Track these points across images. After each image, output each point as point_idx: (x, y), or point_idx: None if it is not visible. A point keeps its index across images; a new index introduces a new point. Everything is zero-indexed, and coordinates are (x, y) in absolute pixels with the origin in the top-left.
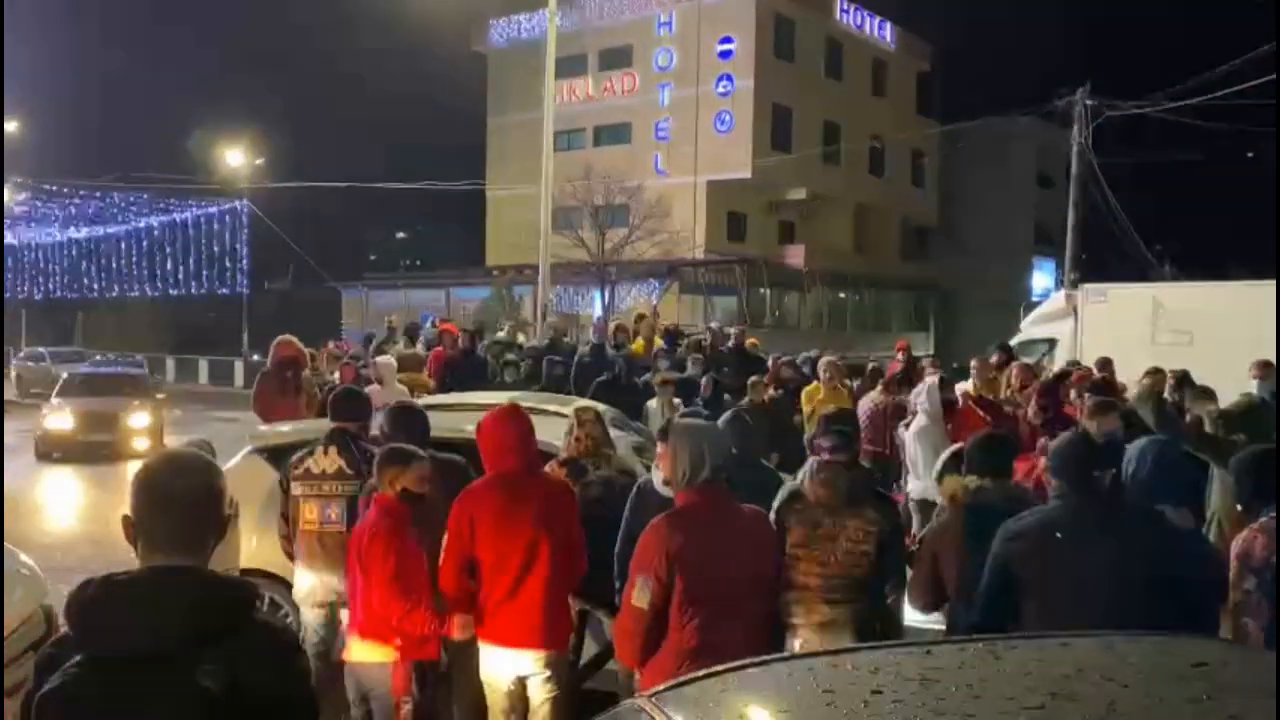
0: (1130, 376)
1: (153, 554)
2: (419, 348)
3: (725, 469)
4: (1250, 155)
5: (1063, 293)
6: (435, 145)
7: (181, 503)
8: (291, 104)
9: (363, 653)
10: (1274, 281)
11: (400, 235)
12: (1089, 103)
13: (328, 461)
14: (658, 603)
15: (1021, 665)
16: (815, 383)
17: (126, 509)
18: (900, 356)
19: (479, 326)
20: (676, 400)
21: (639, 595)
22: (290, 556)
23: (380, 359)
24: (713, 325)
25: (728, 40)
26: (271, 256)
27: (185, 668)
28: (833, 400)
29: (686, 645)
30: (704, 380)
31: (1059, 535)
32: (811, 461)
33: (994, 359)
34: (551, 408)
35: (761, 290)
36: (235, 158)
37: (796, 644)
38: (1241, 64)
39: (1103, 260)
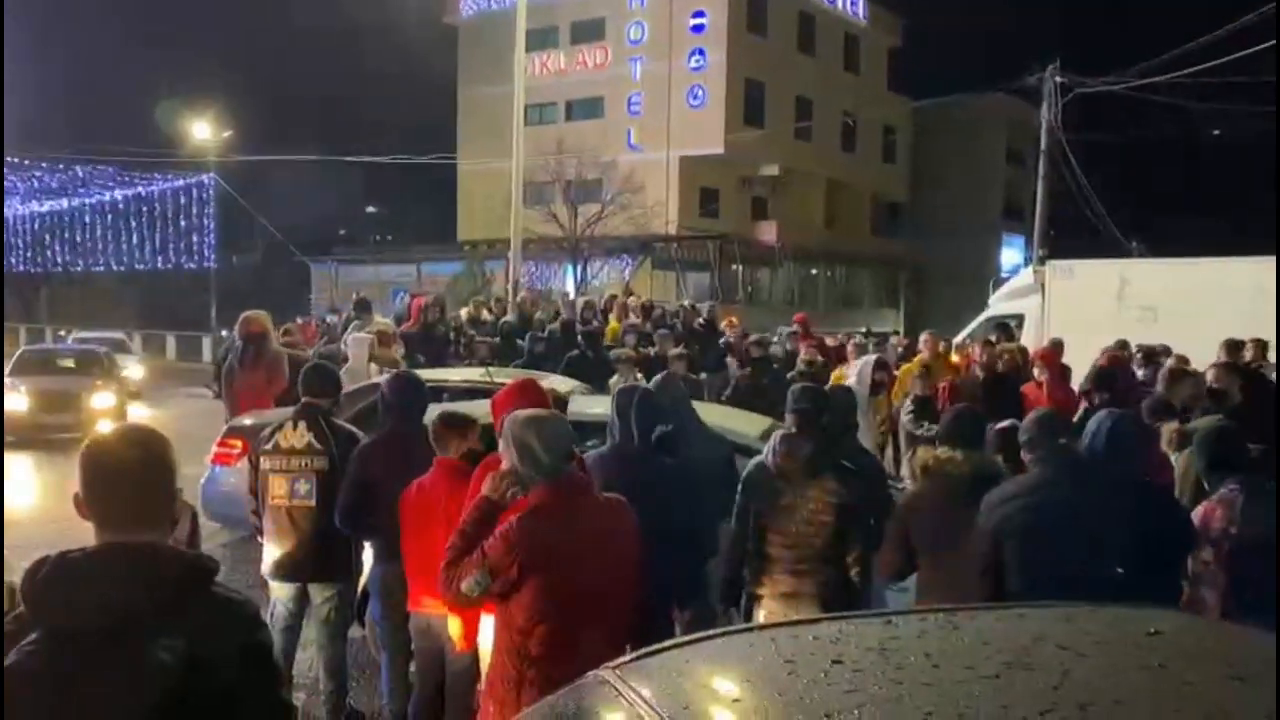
0: (1097, 351)
1: (106, 530)
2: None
3: (568, 456)
4: (1216, 133)
5: (1030, 269)
6: (406, 118)
7: (132, 476)
8: (260, 76)
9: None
10: (1238, 258)
11: (371, 209)
12: (1058, 79)
13: (296, 437)
14: (491, 597)
15: (980, 635)
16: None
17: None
18: (797, 327)
19: (439, 301)
20: (640, 377)
21: (472, 585)
22: (258, 530)
23: (353, 336)
24: (685, 302)
25: (700, 14)
26: (240, 231)
27: (143, 642)
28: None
29: (534, 651)
30: (673, 359)
31: (1043, 500)
32: (776, 435)
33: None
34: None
35: (734, 266)
36: (202, 130)
37: (761, 614)
38: (1210, 41)
39: (1071, 236)
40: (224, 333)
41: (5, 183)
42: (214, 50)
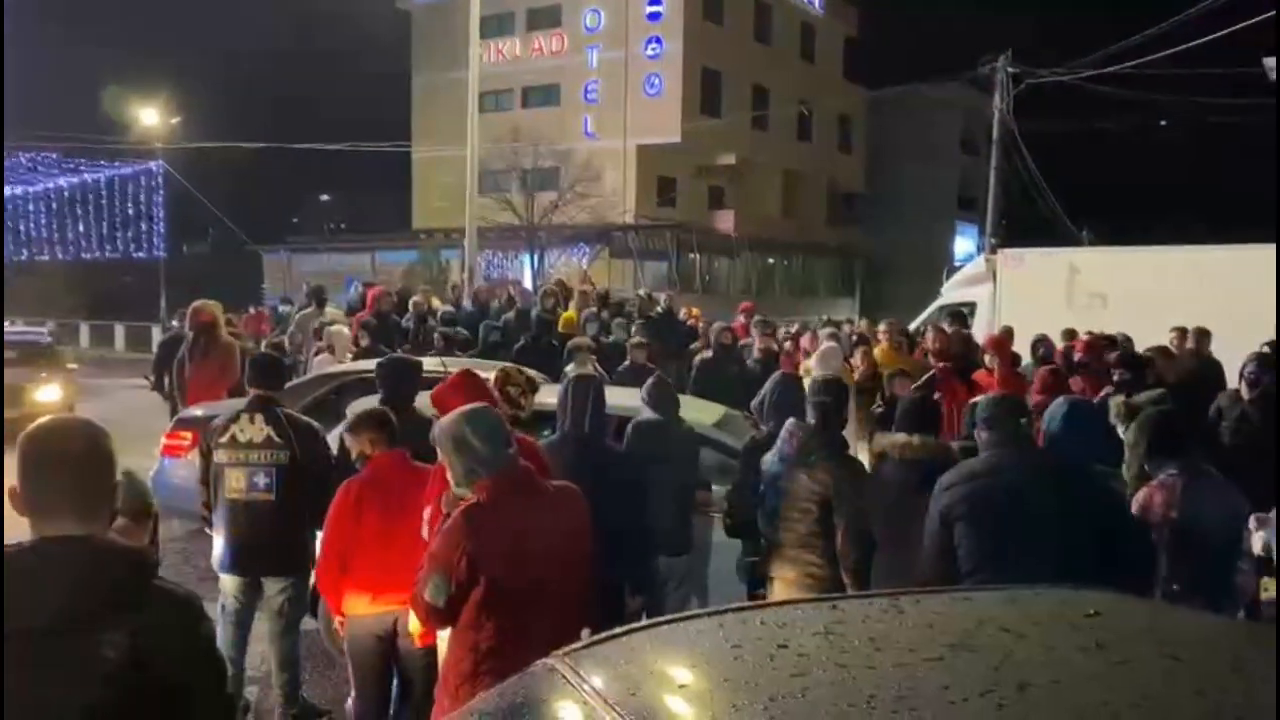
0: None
1: (44, 523)
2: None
3: (506, 444)
4: (1164, 123)
5: (983, 257)
6: (360, 105)
7: (69, 468)
8: (211, 62)
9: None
10: (1184, 247)
11: (324, 197)
12: (1011, 70)
13: (255, 430)
14: (454, 601)
15: (923, 618)
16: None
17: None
18: (743, 319)
19: (401, 290)
20: (596, 365)
21: (434, 592)
22: (207, 523)
23: (333, 327)
24: (642, 292)
25: (656, 2)
26: (190, 219)
27: (86, 639)
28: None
29: (484, 643)
30: (632, 348)
31: (994, 483)
32: (789, 423)
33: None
34: (482, 375)
35: (691, 255)
36: (150, 117)
37: (771, 596)
38: (1158, 33)
39: (1024, 225)
40: (173, 323)
41: None
42: (162, 35)
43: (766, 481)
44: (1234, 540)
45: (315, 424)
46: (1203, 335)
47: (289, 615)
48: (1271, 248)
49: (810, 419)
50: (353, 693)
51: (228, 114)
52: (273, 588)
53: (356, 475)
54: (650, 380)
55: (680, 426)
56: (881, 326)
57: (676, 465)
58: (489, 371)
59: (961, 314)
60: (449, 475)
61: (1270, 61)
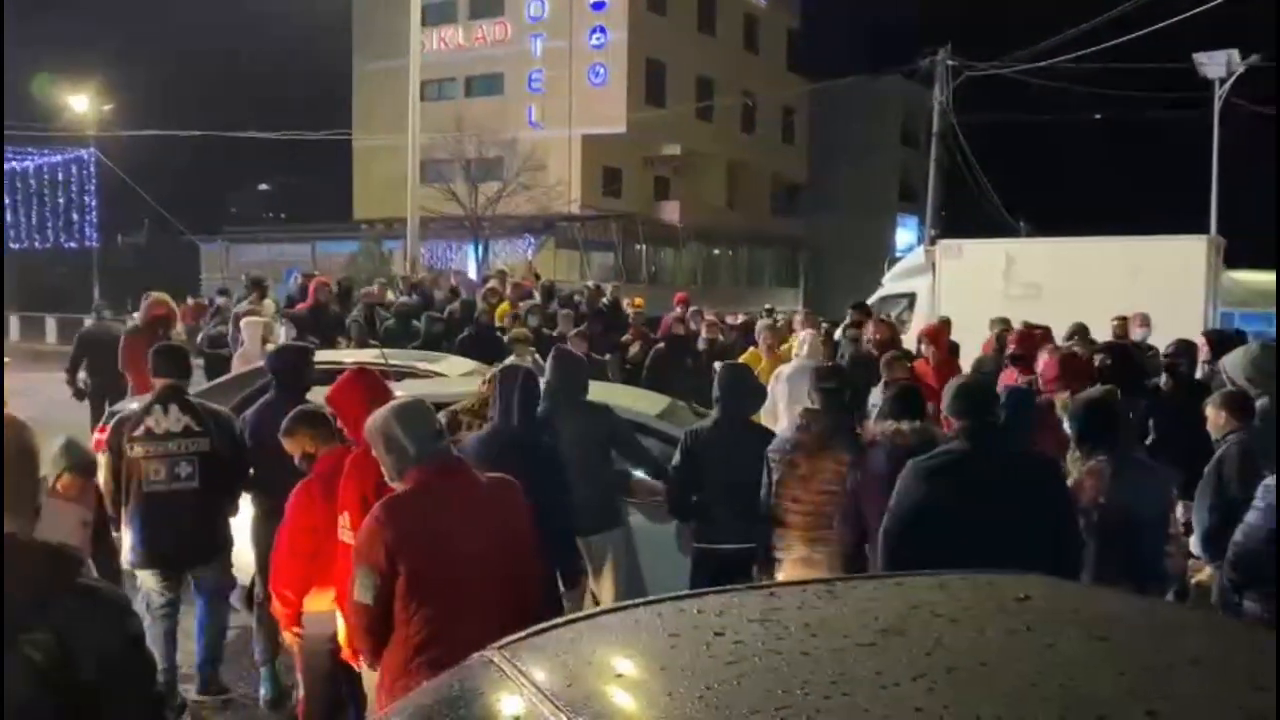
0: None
1: None
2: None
3: (436, 436)
4: (1098, 116)
5: (922, 248)
6: (301, 93)
7: None
8: (144, 48)
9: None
10: (1116, 238)
11: (263, 187)
12: (950, 63)
13: (171, 420)
14: (383, 597)
15: (858, 604)
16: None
17: None
18: (679, 310)
19: (342, 281)
20: (536, 358)
21: (361, 591)
22: (115, 519)
23: (246, 320)
24: (589, 283)
25: None
26: (124, 208)
27: (9, 639)
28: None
29: (415, 638)
30: (572, 339)
31: (966, 470)
32: (798, 409)
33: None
34: (422, 366)
35: (638, 246)
36: (81, 103)
37: (780, 576)
38: (1091, 27)
39: (963, 216)
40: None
41: None
42: (93, 19)
43: (778, 465)
44: (1161, 524)
45: (228, 411)
46: (1124, 324)
47: (215, 603)
48: (1201, 239)
49: (818, 405)
50: (300, 691)
51: (163, 101)
52: (197, 576)
53: (311, 476)
54: (552, 353)
55: (587, 404)
56: (798, 319)
57: (590, 441)
58: (435, 363)
59: (865, 306)
60: (384, 470)
61: (1201, 57)
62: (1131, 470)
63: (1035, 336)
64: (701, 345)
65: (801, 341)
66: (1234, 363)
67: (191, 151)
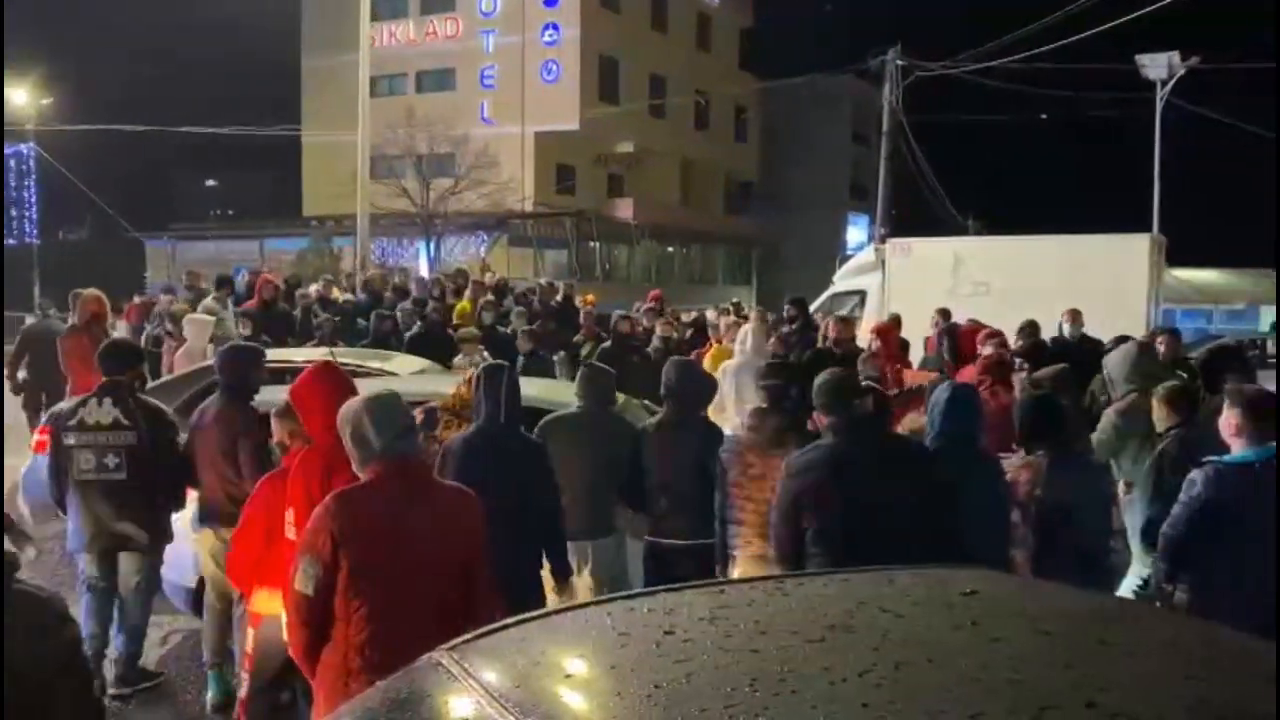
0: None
1: None
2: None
3: (404, 433)
4: (1044, 116)
5: (872, 246)
6: (249, 88)
7: None
8: (86, 40)
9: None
10: (1063, 236)
11: (210, 183)
12: (900, 63)
13: (102, 413)
14: (323, 589)
15: (806, 600)
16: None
17: None
18: (650, 305)
19: (290, 278)
20: (486, 355)
21: (302, 580)
22: (61, 507)
23: (191, 317)
24: (543, 280)
25: None
26: (66, 205)
27: None
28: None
29: (357, 638)
30: (521, 336)
31: (837, 464)
32: (746, 409)
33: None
34: (373, 364)
35: (591, 243)
36: (20, 97)
37: (735, 573)
38: (1039, 28)
39: (913, 215)
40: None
41: None
42: (30, 9)
43: (731, 463)
44: (1103, 519)
45: (163, 407)
46: (1074, 316)
47: (142, 590)
48: (1144, 237)
49: (763, 403)
50: (244, 690)
51: (106, 96)
52: (127, 564)
53: (277, 471)
54: (582, 371)
55: (611, 417)
56: (752, 315)
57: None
58: (385, 362)
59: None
60: (350, 460)
61: (1143, 59)
62: (1068, 464)
63: (973, 335)
64: (655, 343)
65: (743, 337)
66: (1114, 361)
67: (136, 147)
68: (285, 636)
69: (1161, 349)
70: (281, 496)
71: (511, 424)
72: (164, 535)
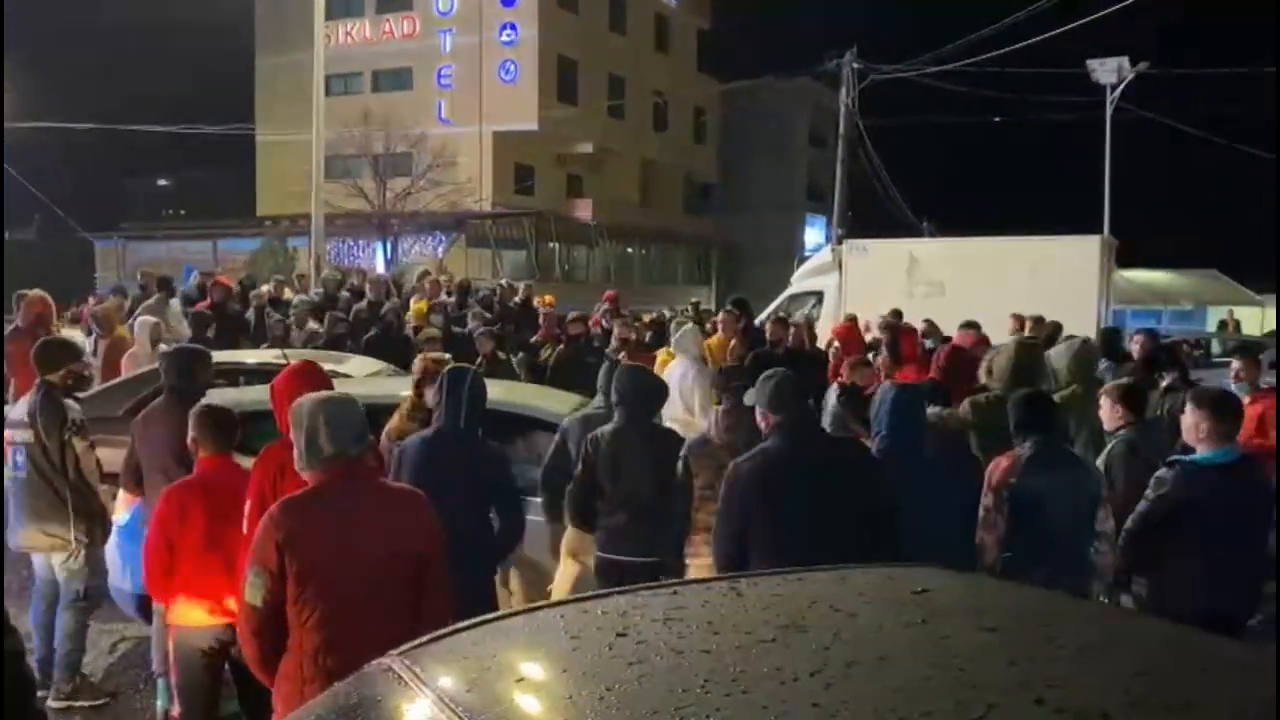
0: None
1: None
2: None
3: (358, 439)
4: (997, 119)
5: (829, 248)
6: (201, 86)
7: None
8: (33, 35)
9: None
10: (1017, 238)
11: (162, 182)
12: (856, 66)
13: (17, 411)
14: (272, 599)
15: (760, 600)
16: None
17: None
18: (606, 307)
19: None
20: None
21: (250, 591)
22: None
23: (141, 319)
24: (502, 281)
25: None
26: (12, 204)
27: None
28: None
29: (310, 645)
30: (479, 337)
31: (779, 466)
32: (716, 410)
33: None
34: (326, 367)
35: (550, 244)
36: None
37: (690, 575)
38: (995, 31)
39: (869, 217)
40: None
41: None
42: None
43: (701, 466)
44: (1083, 516)
45: (66, 405)
46: (1038, 322)
47: (68, 589)
48: (1094, 239)
49: (727, 405)
50: (175, 707)
51: (54, 93)
52: (57, 563)
53: (183, 479)
54: (619, 372)
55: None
56: (721, 315)
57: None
58: (340, 364)
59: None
60: (295, 454)
61: (1093, 64)
62: (1052, 457)
63: (912, 336)
64: (614, 344)
65: (679, 339)
66: (1058, 353)
67: (86, 146)
68: (203, 646)
69: (1135, 348)
70: (181, 505)
71: (471, 427)
72: (84, 539)
